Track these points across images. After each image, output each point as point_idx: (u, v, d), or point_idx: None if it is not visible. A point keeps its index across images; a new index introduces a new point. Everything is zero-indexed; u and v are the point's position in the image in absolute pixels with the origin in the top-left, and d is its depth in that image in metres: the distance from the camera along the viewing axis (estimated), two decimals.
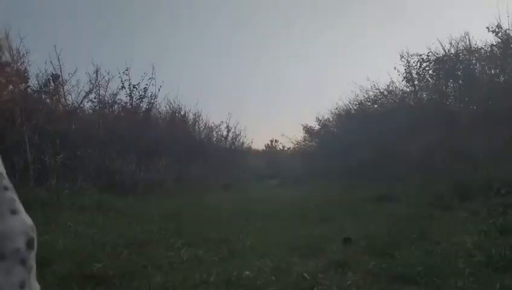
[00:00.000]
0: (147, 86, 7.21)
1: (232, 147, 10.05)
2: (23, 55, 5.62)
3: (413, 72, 6.91)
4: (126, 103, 7.04)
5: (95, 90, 6.50)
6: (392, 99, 7.78)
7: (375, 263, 1.41)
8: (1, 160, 0.68)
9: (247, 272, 1.39)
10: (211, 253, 1.72)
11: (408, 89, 7.32)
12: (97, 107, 6.60)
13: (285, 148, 14.48)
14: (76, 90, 6.45)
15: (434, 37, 6.49)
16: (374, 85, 8.19)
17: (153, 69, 7.31)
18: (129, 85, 7.03)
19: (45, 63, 6.25)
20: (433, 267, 1.32)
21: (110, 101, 6.82)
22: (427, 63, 6.48)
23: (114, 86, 7.30)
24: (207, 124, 9.23)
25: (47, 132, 4.46)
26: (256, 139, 22.17)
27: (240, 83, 19.51)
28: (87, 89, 6.34)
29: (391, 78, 7.77)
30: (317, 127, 11.36)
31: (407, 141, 5.62)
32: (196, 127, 9.21)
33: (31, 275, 0.67)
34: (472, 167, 3.47)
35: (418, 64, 6.67)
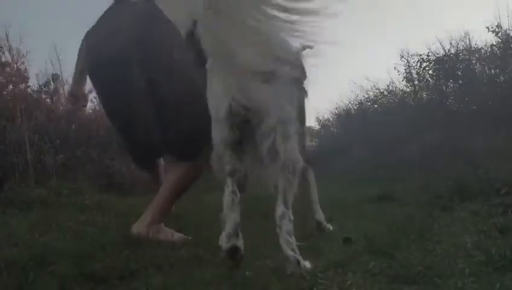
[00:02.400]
0: None
1: None
2: (23, 55, 5.63)
3: (413, 72, 6.93)
4: None
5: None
6: (392, 99, 7.78)
7: (375, 263, 1.41)
8: None
9: (247, 272, 1.39)
10: (211, 253, 1.72)
11: (408, 89, 7.34)
12: (97, 107, 6.61)
13: None
14: None
15: (434, 37, 6.50)
16: (374, 85, 8.21)
17: None
18: None
19: (45, 63, 6.27)
20: (433, 267, 1.32)
21: None
22: (427, 63, 6.49)
23: None
24: None
25: (47, 132, 4.47)
26: None
27: None
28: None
29: (391, 78, 7.78)
30: (317, 127, 11.37)
31: (407, 141, 5.63)
32: None
33: None
34: (472, 167, 3.47)
35: (418, 64, 6.68)
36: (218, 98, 1.33)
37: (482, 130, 4.62)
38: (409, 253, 1.51)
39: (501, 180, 2.60)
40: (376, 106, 8.22)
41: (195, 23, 1.49)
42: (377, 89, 8.15)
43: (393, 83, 7.70)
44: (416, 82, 6.99)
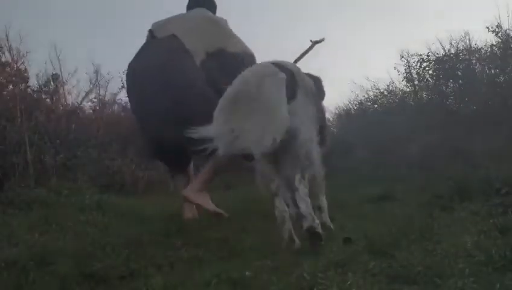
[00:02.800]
0: None
1: None
2: (23, 55, 5.63)
3: (413, 72, 6.91)
4: (126, 102, 7.05)
5: (95, 90, 6.52)
6: (392, 99, 7.77)
7: (375, 263, 1.41)
8: None
9: (247, 272, 1.39)
10: (211, 253, 1.72)
11: (408, 89, 7.32)
12: (97, 107, 6.61)
13: None
14: (76, 90, 6.48)
15: (434, 37, 6.48)
16: (374, 85, 8.18)
17: None
18: None
19: (45, 63, 6.27)
20: (433, 267, 1.32)
21: (110, 101, 6.83)
22: (427, 63, 6.48)
23: (114, 86, 7.32)
24: None
25: (47, 132, 4.46)
26: None
27: None
28: (87, 89, 6.36)
29: (391, 78, 7.75)
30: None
31: (407, 141, 5.62)
32: None
33: None
34: (472, 167, 3.47)
35: (418, 64, 6.66)
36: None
37: (482, 130, 4.61)
38: (409, 253, 1.51)
39: (501, 180, 2.60)
40: (376, 106, 8.20)
41: (207, 54, 2.38)
42: (377, 89, 8.11)
43: (393, 83, 7.66)
44: (416, 82, 6.97)
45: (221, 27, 2.61)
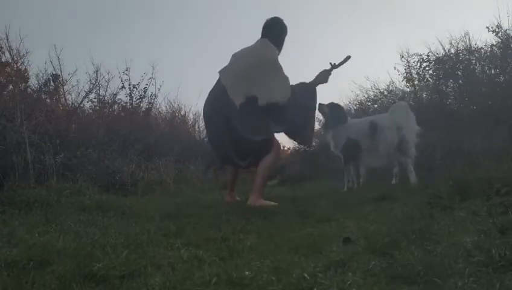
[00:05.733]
0: (146, 86, 7.24)
1: None
2: (23, 55, 5.63)
3: (413, 72, 6.91)
4: (126, 103, 7.05)
5: (95, 90, 6.51)
6: (392, 99, 7.76)
7: (375, 263, 1.41)
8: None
9: (247, 272, 1.39)
10: (211, 253, 1.72)
11: (408, 89, 7.32)
12: (97, 107, 6.61)
13: (285, 148, 14.42)
14: (76, 90, 6.47)
15: (434, 37, 6.48)
16: (374, 85, 8.18)
17: (153, 69, 7.32)
18: (129, 85, 7.04)
19: (45, 63, 6.26)
20: (433, 267, 1.32)
21: (110, 101, 6.83)
22: (427, 63, 6.48)
23: (114, 86, 7.32)
24: None
25: (47, 132, 4.46)
26: None
27: None
28: (87, 89, 6.35)
29: (391, 78, 7.75)
30: (317, 126, 11.32)
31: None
32: (196, 127, 9.20)
33: None
34: (472, 167, 3.47)
35: (418, 64, 6.66)
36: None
37: (482, 130, 4.61)
38: (409, 253, 1.51)
39: (501, 180, 2.60)
40: (376, 106, 8.20)
41: (247, 98, 3.45)
42: (377, 89, 8.12)
43: (393, 83, 7.68)
44: (416, 82, 6.97)
45: (261, 73, 3.49)
